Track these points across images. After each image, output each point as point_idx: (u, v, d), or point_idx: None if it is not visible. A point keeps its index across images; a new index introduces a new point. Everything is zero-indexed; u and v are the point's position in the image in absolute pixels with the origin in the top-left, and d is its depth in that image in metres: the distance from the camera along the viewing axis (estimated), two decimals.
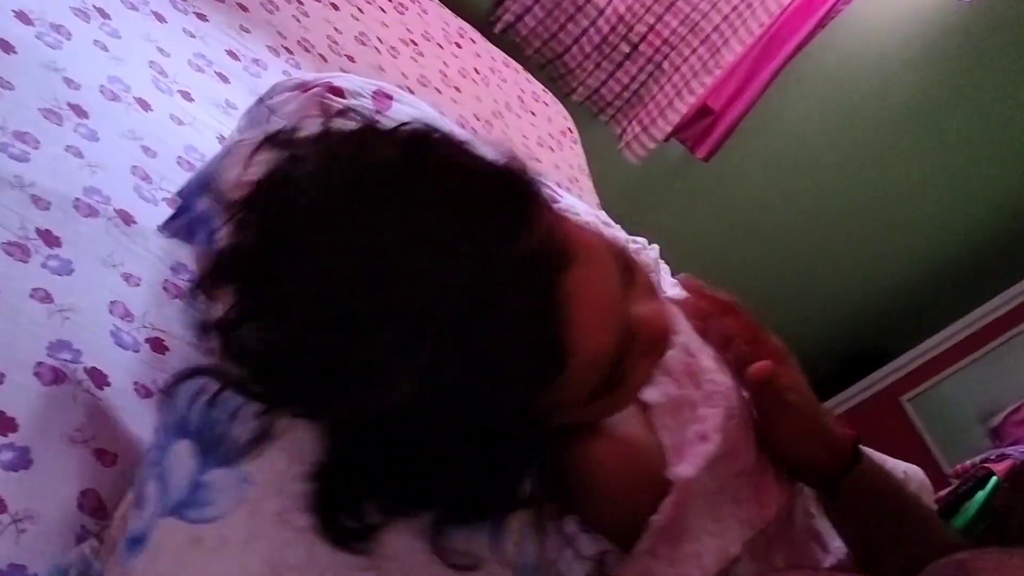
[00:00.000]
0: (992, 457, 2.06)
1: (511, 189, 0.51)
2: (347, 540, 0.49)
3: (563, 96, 2.16)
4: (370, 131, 0.54)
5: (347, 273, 0.46)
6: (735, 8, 2.05)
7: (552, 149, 1.77)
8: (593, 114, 2.23)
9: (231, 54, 1.07)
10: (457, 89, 1.56)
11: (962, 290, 2.87)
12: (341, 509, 0.49)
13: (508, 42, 2.05)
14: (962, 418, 3.06)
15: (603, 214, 1.09)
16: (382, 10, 1.53)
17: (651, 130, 2.21)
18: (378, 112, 0.79)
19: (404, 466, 0.50)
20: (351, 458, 0.50)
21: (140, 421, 0.61)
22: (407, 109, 0.83)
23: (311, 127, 0.56)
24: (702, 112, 2.26)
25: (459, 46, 1.72)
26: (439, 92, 1.49)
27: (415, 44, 1.55)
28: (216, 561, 0.48)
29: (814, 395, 0.74)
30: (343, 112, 0.63)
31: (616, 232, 1.05)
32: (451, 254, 0.45)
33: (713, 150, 2.34)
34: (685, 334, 0.76)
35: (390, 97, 0.84)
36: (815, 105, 2.49)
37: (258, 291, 0.50)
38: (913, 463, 2.30)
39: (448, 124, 0.91)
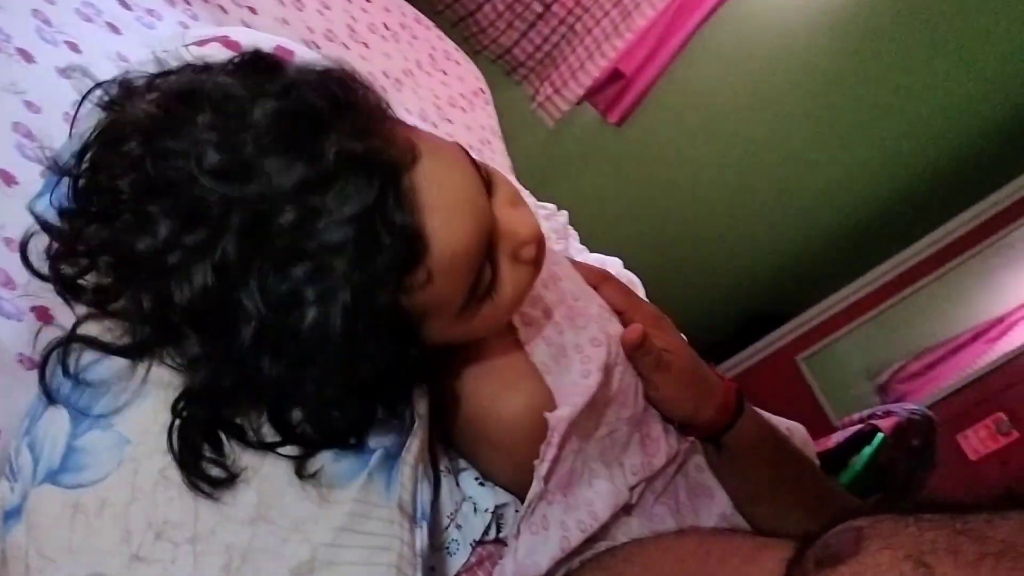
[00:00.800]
0: (879, 414, 2.18)
1: (344, 94, 0.51)
2: (215, 487, 0.48)
3: (474, 53, 2.13)
4: (203, 67, 0.54)
5: (173, 176, 0.46)
6: None
7: (464, 110, 1.75)
8: (506, 72, 2.20)
9: (123, 3, 1.01)
10: (365, 45, 1.52)
11: (855, 255, 3.00)
12: (201, 453, 0.48)
13: None
14: (852, 376, 3.23)
15: (513, 181, 1.09)
16: None
17: (564, 92, 2.22)
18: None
19: (266, 390, 0.49)
20: (207, 391, 0.49)
21: (27, 394, 0.58)
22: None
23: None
24: (614, 77, 2.27)
25: (368, 0, 1.67)
26: (347, 48, 1.45)
27: None
28: (97, 525, 0.47)
29: (693, 353, 0.76)
30: None
31: (526, 197, 1.05)
32: (278, 154, 0.46)
33: (625, 115, 2.36)
34: (571, 280, 0.77)
35: (291, 52, 0.81)
36: (722, 72, 2.54)
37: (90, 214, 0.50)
38: (806, 420, 2.40)
39: None
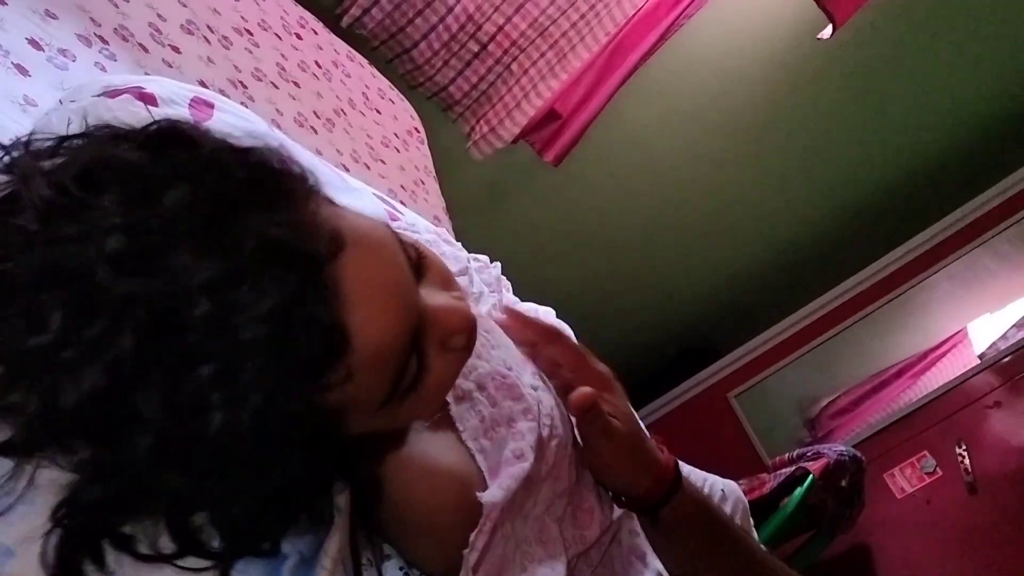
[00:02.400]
0: (809, 455, 2.21)
1: (264, 178, 0.48)
2: None
3: (410, 89, 2.11)
4: (111, 136, 0.50)
5: (70, 263, 0.41)
6: (583, 16, 2.07)
7: (398, 150, 1.72)
8: (441, 110, 2.19)
9: (33, 43, 0.96)
10: (296, 84, 1.48)
11: (786, 293, 3.06)
12: (81, 570, 0.44)
13: (353, 35, 1.97)
14: (783, 413, 3.28)
15: (445, 231, 1.06)
16: None
17: (499, 130, 2.21)
18: (197, 123, 0.73)
19: (164, 499, 0.45)
20: (92, 500, 0.44)
21: None
22: (230, 119, 0.77)
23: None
24: (551, 116, 2.27)
25: (299, 37, 1.63)
26: (275, 87, 1.41)
27: (250, 34, 1.45)
28: None
29: (638, 423, 0.75)
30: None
31: (457, 251, 1.02)
32: (189, 245, 0.42)
33: (562, 155, 2.36)
34: (504, 349, 0.75)
35: (211, 105, 0.77)
36: (657, 113, 2.57)
37: None
38: (738, 457, 2.42)
39: (278, 136, 0.85)
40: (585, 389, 0.69)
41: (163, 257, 0.41)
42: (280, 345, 0.42)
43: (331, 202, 0.52)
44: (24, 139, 0.49)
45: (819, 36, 2.34)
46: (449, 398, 0.67)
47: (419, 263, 0.55)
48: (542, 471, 0.69)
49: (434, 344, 0.53)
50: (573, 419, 0.74)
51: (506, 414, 0.68)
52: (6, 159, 0.48)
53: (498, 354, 0.74)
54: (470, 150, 2.27)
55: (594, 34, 2.11)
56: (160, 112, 0.67)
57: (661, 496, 0.72)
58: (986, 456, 2.41)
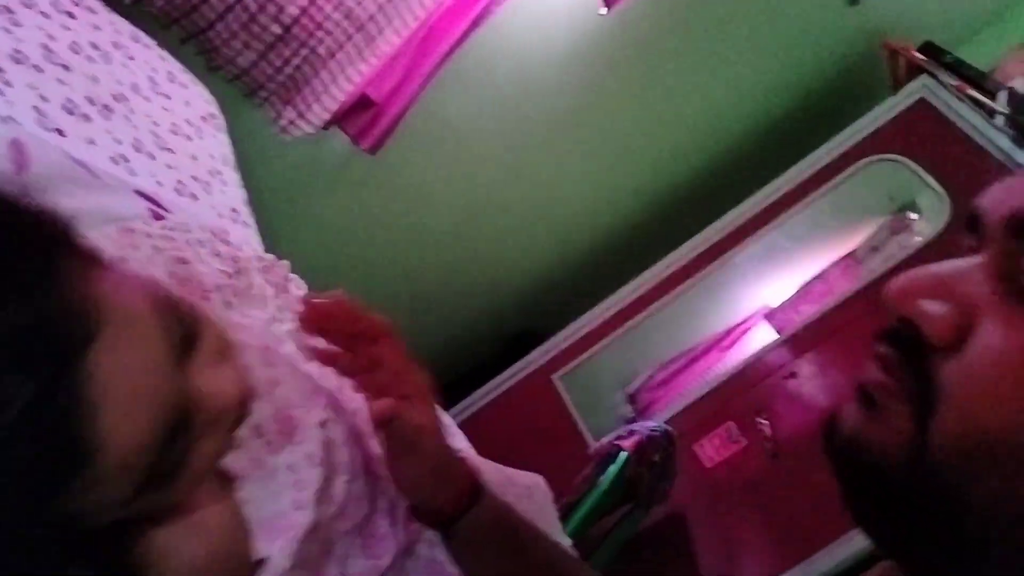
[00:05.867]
0: (624, 433, 2.30)
1: (20, 240, 0.40)
2: None
3: (210, 71, 1.98)
4: None
5: None
6: None
7: (189, 137, 1.61)
8: (244, 95, 2.08)
9: None
10: (65, 67, 1.35)
11: (607, 275, 3.15)
12: None
13: (141, 13, 1.83)
14: (606, 390, 3.40)
15: (244, 213, 0.99)
16: None
17: (308, 116, 2.12)
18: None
19: None
20: None
21: None
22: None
23: None
24: (364, 103, 2.21)
25: (72, 16, 1.49)
26: (39, 71, 1.27)
27: (10, 12, 1.31)
28: None
29: (443, 437, 0.74)
30: None
31: (236, 250, 0.96)
32: None
33: (379, 142, 2.31)
34: (288, 385, 0.71)
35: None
36: (473, 101, 2.56)
37: None
38: (562, 438, 2.46)
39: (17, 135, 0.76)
40: (387, 401, 0.67)
41: None
42: (14, 460, 0.37)
43: (84, 257, 0.45)
44: None
45: (599, 12, 2.41)
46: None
47: (190, 332, 0.49)
48: (328, 513, 0.66)
49: (201, 427, 0.48)
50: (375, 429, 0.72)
51: (287, 459, 0.65)
52: None
53: (282, 392, 0.70)
54: (279, 137, 2.17)
55: (402, 17, 2.06)
56: None
57: (458, 511, 0.71)
58: (784, 424, 2.59)
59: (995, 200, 0.41)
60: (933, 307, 0.40)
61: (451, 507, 0.71)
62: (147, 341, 0.45)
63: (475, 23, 2.21)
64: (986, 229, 0.40)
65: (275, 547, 0.58)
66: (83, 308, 0.41)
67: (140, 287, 0.47)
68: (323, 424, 0.70)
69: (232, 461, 0.62)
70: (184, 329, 0.49)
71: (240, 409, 0.53)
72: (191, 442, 0.49)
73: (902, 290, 0.41)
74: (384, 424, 0.67)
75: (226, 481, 0.61)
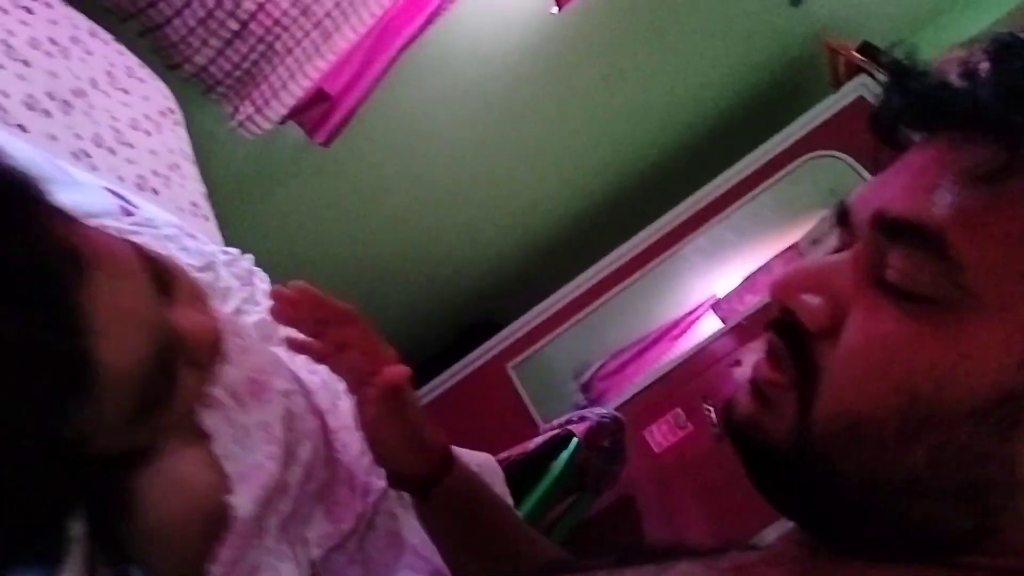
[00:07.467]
0: (574, 419, 2.36)
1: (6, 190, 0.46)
2: None
3: (168, 68, 2.00)
4: None
5: None
6: None
7: (148, 132, 1.63)
8: (202, 92, 2.10)
9: None
10: (25, 63, 1.37)
11: (561, 265, 3.22)
12: None
13: (98, 9, 1.84)
14: (559, 380, 3.47)
15: (189, 224, 1.04)
16: None
17: (265, 111, 2.15)
18: None
19: None
20: None
21: None
22: None
23: None
24: (320, 97, 2.25)
25: (30, 12, 1.50)
26: (0, 67, 1.30)
27: None
28: None
29: (419, 404, 0.79)
30: None
31: (202, 245, 1.00)
32: None
33: (332, 136, 2.34)
34: (256, 353, 0.76)
35: None
36: (429, 94, 2.61)
37: None
38: (515, 428, 2.54)
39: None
40: (399, 368, 0.72)
41: None
42: (15, 380, 0.41)
43: (64, 214, 0.50)
44: None
45: (551, 11, 2.47)
46: (200, 408, 0.67)
47: (165, 279, 0.55)
48: (296, 475, 0.70)
49: (182, 360, 0.54)
50: (358, 396, 0.75)
51: (258, 418, 0.69)
52: None
53: (250, 359, 0.74)
54: (237, 131, 2.19)
55: (359, 14, 2.10)
56: None
57: (434, 476, 0.76)
58: None
59: (863, 198, 0.47)
60: (810, 299, 0.44)
61: (426, 471, 0.76)
62: (133, 277, 0.51)
63: (430, 19, 2.26)
64: (854, 227, 0.46)
65: (248, 504, 0.63)
66: (73, 249, 0.46)
67: (118, 237, 0.53)
68: (287, 395, 0.75)
69: (208, 420, 0.66)
70: (161, 274, 0.55)
71: (212, 350, 0.58)
72: (175, 372, 0.54)
73: (784, 285, 0.46)
74: (396, 391, 0.72)
75: (204, 438, 0.66)
